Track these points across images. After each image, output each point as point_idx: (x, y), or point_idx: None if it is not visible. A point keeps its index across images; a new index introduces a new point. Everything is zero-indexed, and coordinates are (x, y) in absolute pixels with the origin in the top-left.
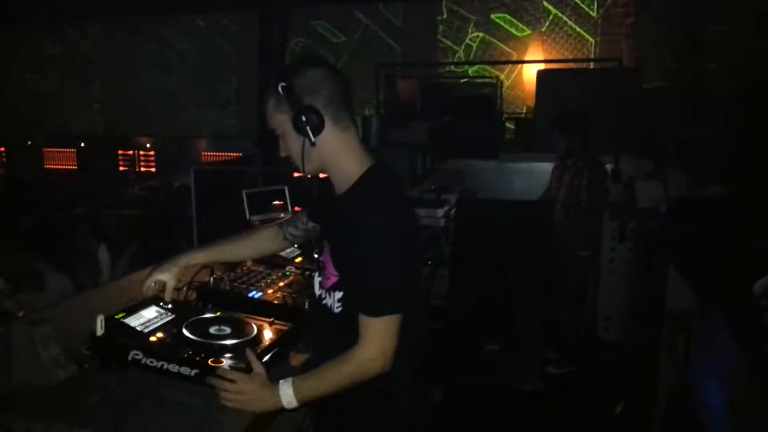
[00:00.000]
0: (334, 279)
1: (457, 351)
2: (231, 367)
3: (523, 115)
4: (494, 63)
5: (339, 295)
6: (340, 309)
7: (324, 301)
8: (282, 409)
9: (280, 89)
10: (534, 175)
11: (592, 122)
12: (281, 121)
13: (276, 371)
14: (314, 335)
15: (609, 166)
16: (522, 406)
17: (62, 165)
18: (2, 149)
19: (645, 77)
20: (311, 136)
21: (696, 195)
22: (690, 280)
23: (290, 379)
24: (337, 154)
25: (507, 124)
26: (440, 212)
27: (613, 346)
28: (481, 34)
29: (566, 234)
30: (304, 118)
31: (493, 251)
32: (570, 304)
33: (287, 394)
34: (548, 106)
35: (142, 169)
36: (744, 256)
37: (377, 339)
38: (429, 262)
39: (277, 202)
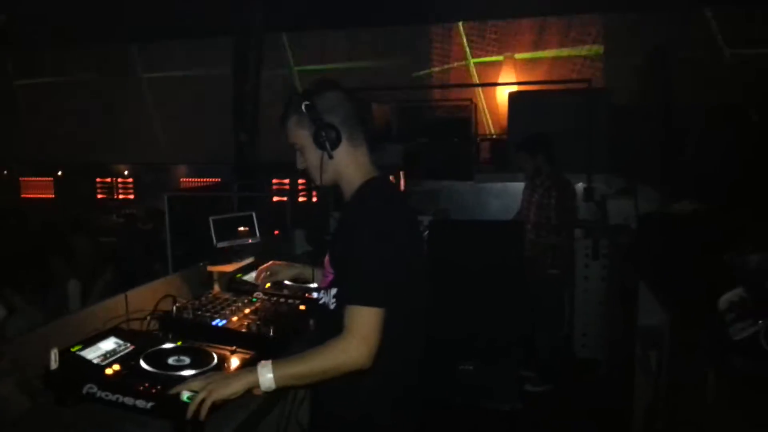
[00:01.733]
0: (330, 277)
1: (433, 370)
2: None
3: (496, 136)
4: (468, 86)
5: (333, 291)
6: (334, 305)
7: (322, 300)
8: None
9: (303, 108)
10: (510, 195)
11: (564, 142)
12: (302, 136)
13: (236, 401)
14: (314, 334)
15: (581, 185)
16: (499, 425)
17: (39, 194)
18: None
19: (614, 97)
20: (329, 150)
21: (666, 211)
22: (659, 296)
23: (267, 362)
24: (348, 167)
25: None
26: None
27: (590, 364)
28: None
29: (537, 253)
30: (323, 134)
31: (467, 270)
32: (545, 322)
33: (265, 372)
34: (520, 127)
35: (121, 196)
36: (712, 270)
37: (357, 327)
38: None
39: (242, 228)
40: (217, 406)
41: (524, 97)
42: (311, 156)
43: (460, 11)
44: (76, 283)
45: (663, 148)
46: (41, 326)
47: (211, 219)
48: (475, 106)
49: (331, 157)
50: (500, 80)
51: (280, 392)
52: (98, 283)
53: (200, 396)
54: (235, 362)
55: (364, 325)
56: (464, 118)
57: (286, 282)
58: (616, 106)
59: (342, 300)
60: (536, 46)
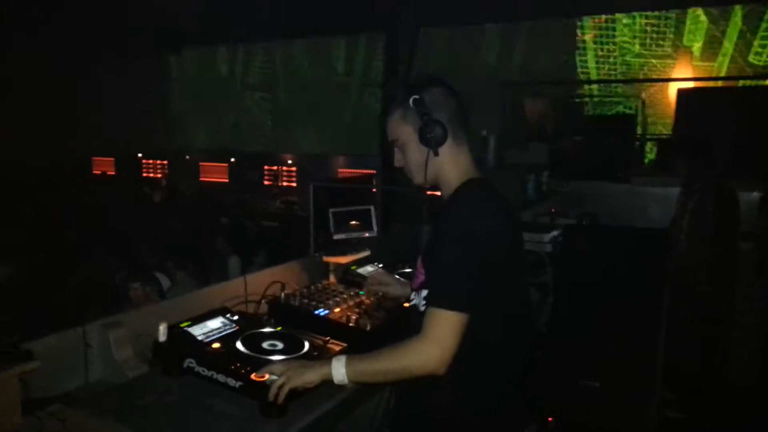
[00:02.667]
0: (422, 278)
1: (556, 384)
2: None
3: (665, 137)
4: (632, 81)
5: (424, 293)
6: (424, 307)
7: (413, 301)
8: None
9: (411, 102)
10: (670, 201)
11: (740, 145)
12: (406, 132)
13: (322, 390)
14: (406, 335)
15: (757, 194)
16: None
17: (215, 178)
18: (165, 162)
19: None
20: (435, 147)
21: None
22: None
23: (343, 357)
24: (449, 167)
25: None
26: (546, 237)
27: (744, 393)
28: (620, 52)
29: (689, 266)
30: (431, 131)
31: (601, 280)
32: (693, 342)
33: (339, 367)
34: (689, 127)
35: (284, 183)
36: None
37: (432, 329)
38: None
39: (353, 222)
40: (300, 393)
41: (695, 95)
42: (414, 153)
43: (621, 3)
44: (237, 259)
45: None
46: (163, 301)
47: (330, 211)
48: (643, 102)
49: (436, 154)
50: (674, 75)
51: (372, 385)
52: (254, 263)
53: (279, 381)
54: (319, 353)
55: (439, 328)
56: (629, 115)
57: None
58: None
59: (428, 299)
60: (714, 38)
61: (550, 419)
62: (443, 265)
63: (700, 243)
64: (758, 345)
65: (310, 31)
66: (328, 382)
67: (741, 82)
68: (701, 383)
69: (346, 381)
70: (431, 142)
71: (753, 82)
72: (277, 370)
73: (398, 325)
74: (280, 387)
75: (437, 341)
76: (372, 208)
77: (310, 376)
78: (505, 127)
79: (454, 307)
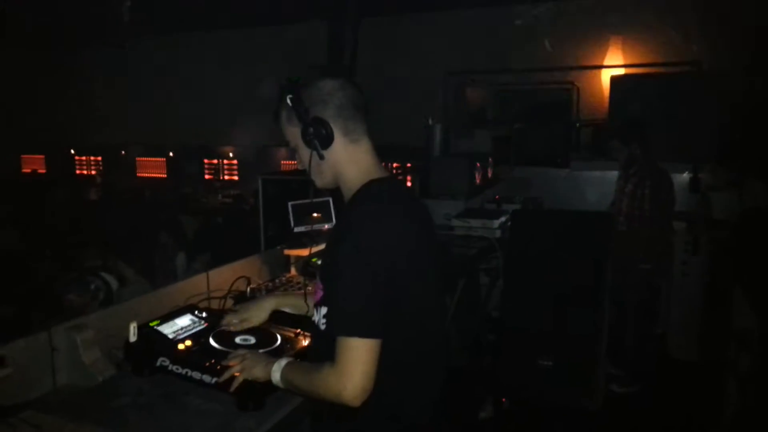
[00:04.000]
0: (320, 293)
1: (510, 364)
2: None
3: (599, 122)
4: (568, 68)
5: (324, 311)
6: (324, 325)
7: (314, 317)
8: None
9: (288, 101)
10: (608, 184)
11: (670, 129)
12: (293, 133)
13: None
14: (309, 351)
15: (687, 175)
16: (577, 426)
17: (153, 173)
18: (99, 158)
19: (728, 81)
20: (319, 149)
21: None
22: (752, 298)
23: (286, 360)
24: (346, 166)
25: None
26: (496, 223)
27: (685, 365)
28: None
29: (629, 246)
30: (312, 131)
31: (549, 263)
32: (635, 319)
33: (276, 371)
34: (622, 112)
35: (226, 177)
36: None
37: (344, 361)
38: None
39: (315, 215)
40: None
41: (627, 81)
42: (304, 156)
43: None
44: (183, 256)
45: None
46: (128, 300)
47: (289, 204)
48: (578, 89)
49: (321, 157)
50: (606, 62)
51: None
52: (200, 260)
53: (233, 371)
54: (292, 345)
55: (349, 359)
56: (564, 102)
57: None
58: (729, 90)
59: (329, 325)
60: (647, 26)
61: (503, 399)
62: (345, 289)
63: (639, 223)
64: (695, 319)
65: (249, 21)
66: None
67: (670, 69)
68: (643, 358)
69: (281, 385)
70: (313, 143)
71: (681, 69)
72: (236, 360)
73: None
74: (235, 376)
75: (348, 374)
76: (330, 199)
77: (259, 371)
78: (449, 116)
79: (363, 334)
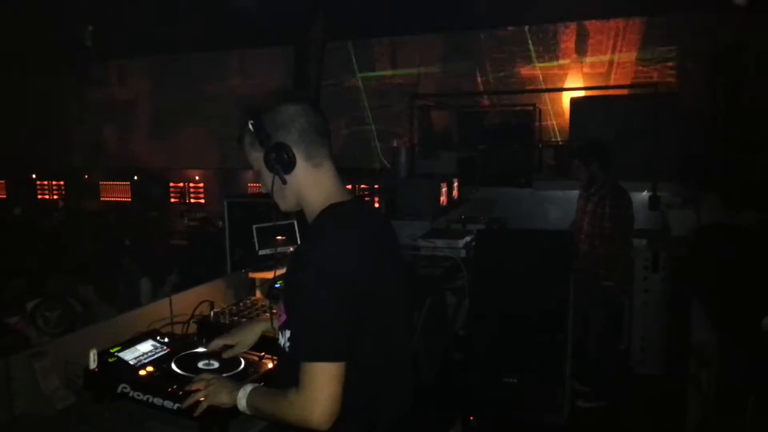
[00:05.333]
0: (283, 317)
1: (478, 382)
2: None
3: (561, 143)
4: (530, 92)
5: (288, 334)
6: (289, 347)
7: (279, 340)
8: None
9: (249, 126)
10: (570, 203)
11: (629, 148)
12: (256, 158)
13: None
14: (275, 373)
15: (646, 193)
16: None
17: (117, 197)
18: (61, 183)
19: (683, 101)
20: (282, 174)
21: (727, 222)
22: (710, 313)
23: (251, 386)
24: (308, 190)
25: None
26: (460, 243)
27: (648, 379)
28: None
29: (591, 264)
30: (274, 156)
31: (513, 281)
32: (599, 335)
33: (242, 398)
34: (582, 133)
35: (192, 200)
36: (764, 288)
37: (308, 386)
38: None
39: (280, 237)
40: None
41: (587, 102)
42: (267, 180)
43: (526, 15)
44: (147, 281)
45: (728, 154)
46: (88, 326)
47: (254, 227)
48: (540, 111)
49: (284, 181)
50: (566, 85)
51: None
52: (166, 284)
53: (199, 395)
54: (255, 369)
55: (313, 383)
56: (527, 124)
57: None
58: (685, 110)
59: (293, 350)
60: (603, 49)
61: (471, 417)
62: (306, 314)
63: (600, 241)
64: (657, 335)
65: (213, 45)
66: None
67: (628, 90)
68: (608, 374)
69: (247, 411)
70: (275, 168)
71: (639, 90)
72: (200, 384)
73: None
74: (203, 400)
75: (314, 399)
76: (295, 222)
77: (224, 397)
78: (415, 139)
79: (325, 358)
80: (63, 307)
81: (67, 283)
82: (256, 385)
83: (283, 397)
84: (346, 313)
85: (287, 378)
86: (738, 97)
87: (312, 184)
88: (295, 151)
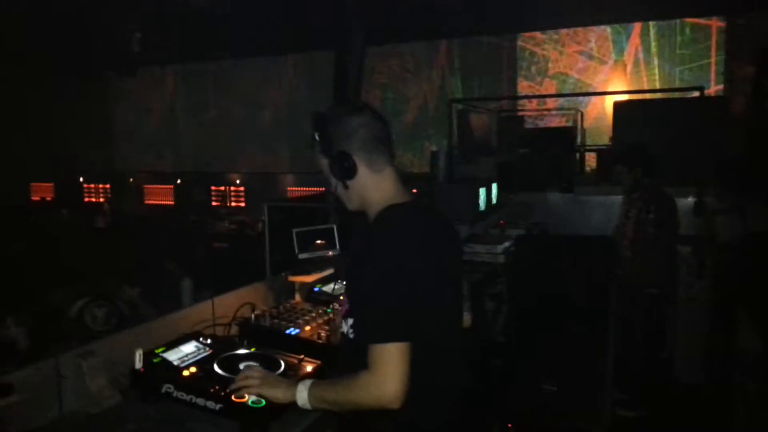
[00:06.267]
0: (346, 307)
1: (516, 389)
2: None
3: (605, 147)
4: (570, 95)
5: (350, 321)
6: (352, 335)
7: (343, 329)
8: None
9: (316, 137)
10: (612, 209)
11: (675, 154)
12: (324, 164)
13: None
14: (340, 362)
15: (691, 199)
16: None
17: (160, 200)
18: (107, 186)
19: (731, 105)
20: (344, 180)
21: None
22: (757, 323)
23: (309, 381)
24: (370, 193)
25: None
26: (499, 248)
27: (692, 389)
28: (559, 69)
29: (634, 270)
30: (336, 164)
31: (553, 287)
32: (642, 343)
33: (302, 391)
34: (626, 137)
35: (233, 203)
36: None
37: (378, 366)
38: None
39: (319, 242)
40: (281, 411)
41: (631, 107)
42: (333, 183)
43: (562, 18)
44: (189, 281)
45: None
46: (134, 327)
47: (293, 231)
48: (582, 115)
49: (346, 187)
50: (609, 88)
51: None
52: (206, 285)
53: (251, 381)
54: (295, 371)
55: (383, 363)
56: (569, 128)
57: None
58: (731, 114)
59: (360, 335)
60: (648, 51)
61: (509, 425)
62: (369, 298)
63: (643, 248)
64: (701, 343)
65: (255, 51)
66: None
67: (671, 94)
68: (650, 382)
69: (308, 406)
70: (338, 175)
71: (680, 95)
72: (255, 373)
73: None
74: (252, 388)
75: (384, 376)
76: (335, 227)
77: (279, 393)
78: (454, 143)
79: (392, 339)
80: (110, 306)
81: (116, 284)
82: (309, 380)
83: (355, 380)
84: (407, 299)
85: (352, 363)
86: None
87: (373, 188)
88: (356, 158)
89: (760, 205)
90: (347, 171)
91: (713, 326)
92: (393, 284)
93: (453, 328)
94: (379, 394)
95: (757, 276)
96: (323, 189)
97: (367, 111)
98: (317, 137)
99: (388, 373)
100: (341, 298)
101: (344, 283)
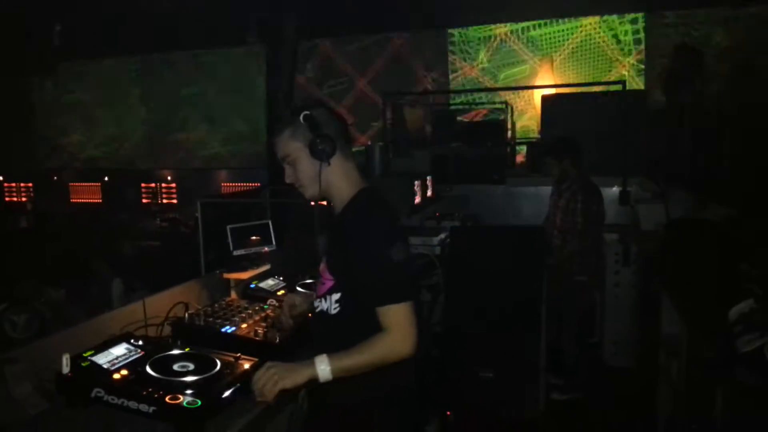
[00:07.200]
0: (329, 284)
1: (454, 379)
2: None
3: (534, 140)
4: (502, 89)
5: (336, 296)
6: (337, 310)
7: (319, 307)
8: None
9: (302, 118)
10: (543, 199)
11: (599, 145)
12: (296, 148)
13: (239, 406)
14: (316, 341)
15: (616, 188)
16: None
17: (88, 198)
18: (30, 185)
19: (651, 98)
20: (326, 159)
21: (695, 216)
22: (678, 305)
23: (324, 356)
24: (340, 179)
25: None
26: (435, 240)
27: (620, 372)
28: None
29: (564, 259)
30: (320, 143)
31: (488, 277)
32: (573, 329)
33: (323, 369)
34: (553, 130)
35: (164, 201)
36: (729, 280)
37: (397, 324)
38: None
39: (254, 237)
40: (217, 410)
41: (558, 100)
42: (306, 167)
43: (496, 14)
44: (119, 282)
45: (693, 150)
46: (60, 331)
47: (228, 228)
48: (511, 108)
49: (328, 164)
50: (537, 82)
51: (287, 395)
52: (136, 285)
53: (272, 381)
54: (231, 370)
55: (401, 320)
56: (499, 121)
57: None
58: (653, 107)
59: (365, 301)
60: (574, 47)
61: (448, 413)
62: (374, 266)
63: (572, 236)
64: (628, 328)
65: (188, 44)
66: (312, 382)
67: (595, 88)
68: (581, 367)
69: (330, 377)
70: (323, 155)
71: (605, 88)
72: (270, 371)
73: (307, 334)
74: (273, 386)
75: (404, 332)
76: (270, 222)
77: (298, 377)
78: (388, 137)
79: (402, 299)
80: (30, 311)
81: (37, 287)
82: (323, 354)
83: (378, 342)
84: (402, 265)
85: (332, 337)
86: (699, 94)
87: (343, 175)
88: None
89: (681, 193)
90: (329, 152)
91: (639, 312)
92: (391, 250)
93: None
94: (403, 350)
95: (676, 261)
96: (258, 185)
97: (331, 108)
98: (302, 119)
99: (408, 330)
100: (321, 276)
101: (326, 261)
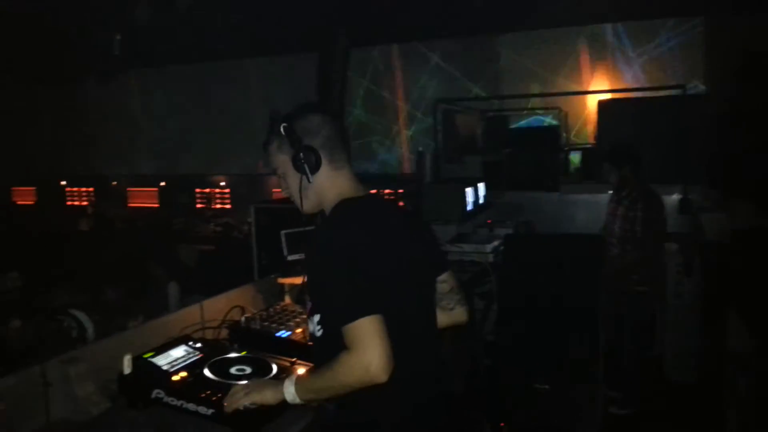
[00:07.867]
0: (310, 305)
1: (507, 389)
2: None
3: (589, 146)
4: (556, 95)
5: (317, 318)
6: (320, 331)
7: (309, 328)
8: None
9: (282, 130)
10: (598, 207)
11: (659, 151)
12: (283, 161)
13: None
14: (314, 363)
15: (677, 196)
16: None
17: (145, 203)
18: (91, 189)
19: (713, 104)
20: (308, 174)
21: (760, 227)
22: (747, 319)
23: (294, 376)
24: (329, 191)
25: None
26: (488, 248)
27: (682, 386)
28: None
29: (622, 268)
30: (302, 156)
31: (543, 286)
32: (632, 341)
33: (289, 387)
34: (610, 136)
35: (218, 205)
36: None
37: (355, 343)
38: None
39: None
40: (271, 415)
41: (615, 105)
42: (292, 181)
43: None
44: (175, 285)
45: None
46: (122, 332)
47: (282, 233)
48: (566, 114)
49: (309, 181)
50: (592, 87)
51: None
52: (192, 288)
53: (239, 393)
54: (295, 372)
55: (360, 338)
56: (553, 127)
57: None
58: (716, 113)
59: (331, 324)
60: (631, 49)
61: (502, 424)
62: (328, 288)
63: (631, 245)
64: (690, 341)
65: (238, 53)
66: (287, 403)
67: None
68: (641, 380)
69: (297, 400)
70: (303, 169)
71: (666, 92)
72: (240, 388)
73: None
74: (239, 399)
75: (367, 351)
76: None
77: (268, 394)
78: (440, 144)
79: (361, 314)
80: (59, 323)
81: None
82: (294, 375)
83: (336, 363)
84: (365, 276)
85: (322, 360)
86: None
87: (331, 186)
88: (321, 154)
89: (745, 202)
90: (312, 165)
91: (703, 324)
92: (347, 266)
93: (420, 316)
94: (363, 371)
95: (744, 274)
96: None
97: (327, 111)
98: (282, 131)
99: (367, 347)
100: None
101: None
